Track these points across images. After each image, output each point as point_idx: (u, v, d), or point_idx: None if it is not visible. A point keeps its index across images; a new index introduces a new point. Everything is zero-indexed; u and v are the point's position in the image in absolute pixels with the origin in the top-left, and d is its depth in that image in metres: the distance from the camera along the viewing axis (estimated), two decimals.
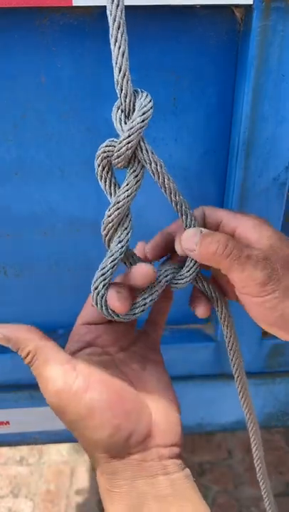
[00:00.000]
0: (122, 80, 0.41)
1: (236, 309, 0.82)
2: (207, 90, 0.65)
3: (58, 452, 2.00)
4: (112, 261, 0.48)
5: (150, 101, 0.43)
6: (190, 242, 0.47)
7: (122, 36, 0.39)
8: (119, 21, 0.39)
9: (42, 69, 0.62)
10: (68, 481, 1.90)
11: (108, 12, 0.40)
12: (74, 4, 0.54)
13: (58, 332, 0.86)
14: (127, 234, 0.48)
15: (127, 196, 0.45)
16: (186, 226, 0.49)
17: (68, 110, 0.65)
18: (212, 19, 0.60)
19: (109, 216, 0.46)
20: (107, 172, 0.46)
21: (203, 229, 0.48)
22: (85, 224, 0.75)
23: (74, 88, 0.64)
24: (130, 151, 0.43)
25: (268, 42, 0.57)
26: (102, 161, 0.46)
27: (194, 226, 0.48)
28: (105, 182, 0.47)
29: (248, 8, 0.57)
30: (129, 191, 0.45)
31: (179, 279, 0.52)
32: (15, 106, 0.64)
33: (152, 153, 0.45)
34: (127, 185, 0.45)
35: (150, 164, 0.45)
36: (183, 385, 0.90)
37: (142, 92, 0.44)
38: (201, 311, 0.54)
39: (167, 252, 0.54)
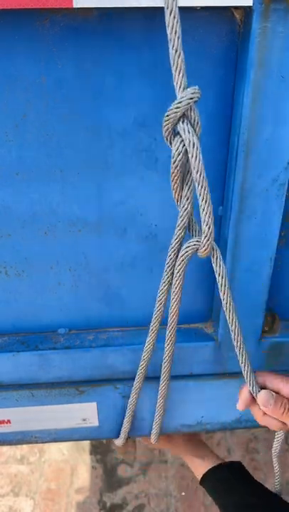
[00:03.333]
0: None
1: (237, 308, 0.82)
2: (207, 91, 0.65)
3: (59, 451, 2.01)
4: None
5: None
6: (266, 401, 0.69)
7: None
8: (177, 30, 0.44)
9: (43, 69, 0.62)
10: (69, 480, 1.91)
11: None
12: (75, 6, 0.54)
13: (58, 332, 0.86)
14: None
15: None
16: (253, 391, 0.70)
17: (69, 110, 0.66)
18: (212, 20, 0.60)
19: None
20: None
21: (273, 393, 0.69)
22: (86, 224, 0.75)
23: (74, 88, 0.64)
24: None
25: (267, 43, 0.58)
26: None
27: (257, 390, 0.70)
28: None
29: (247, 9, 0.57)
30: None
31: None
32: (16, 106, 0.65)
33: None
34: None
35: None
36: (183, 384, 0.90)
37: None
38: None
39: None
